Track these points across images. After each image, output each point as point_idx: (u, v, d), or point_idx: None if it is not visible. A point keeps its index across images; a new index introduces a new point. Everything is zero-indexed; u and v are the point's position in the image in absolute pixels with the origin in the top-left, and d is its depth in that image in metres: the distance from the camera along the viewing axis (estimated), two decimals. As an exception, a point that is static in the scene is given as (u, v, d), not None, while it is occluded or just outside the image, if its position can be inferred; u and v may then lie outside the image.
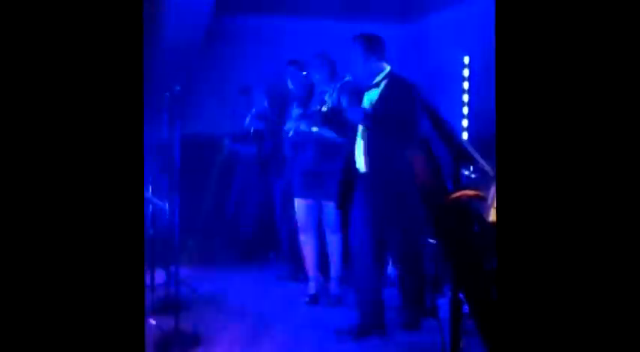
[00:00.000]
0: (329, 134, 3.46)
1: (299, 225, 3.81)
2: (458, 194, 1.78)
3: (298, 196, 3.75)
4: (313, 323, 3.42)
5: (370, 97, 3.06)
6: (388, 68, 3.03)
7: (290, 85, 4.16)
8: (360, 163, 3.08)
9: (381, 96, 3.00)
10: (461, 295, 1.99)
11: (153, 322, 3.14)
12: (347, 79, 3.07)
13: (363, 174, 3.09)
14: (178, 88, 3.31)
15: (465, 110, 5.61)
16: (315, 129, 3.44)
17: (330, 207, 3.59)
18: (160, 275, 3.81)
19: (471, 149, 1.90)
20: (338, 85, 3.38)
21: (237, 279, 4.40)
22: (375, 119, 2.95)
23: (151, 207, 3.78)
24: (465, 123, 5.60)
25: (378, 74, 3.02)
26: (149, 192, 3.63)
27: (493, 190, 1.76)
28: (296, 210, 3.78)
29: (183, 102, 3.28)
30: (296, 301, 3.85)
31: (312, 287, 3.83)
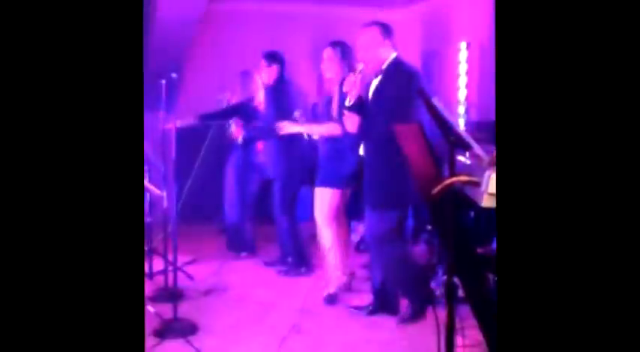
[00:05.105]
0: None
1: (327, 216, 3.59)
2: (452, 180, 1.79)
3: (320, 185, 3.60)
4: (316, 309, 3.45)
5: (375, 84, 3.07)
6: (394, 55, 3.05)
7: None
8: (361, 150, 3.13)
9: (380, 82, 3.03)
10: (455, 279, 2.01)
11: (151, 309, 3.16)
12: (361, 67, 3.06)
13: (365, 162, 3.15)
14: (174, 75, 3.31)
15: (462, 96, 5.60)
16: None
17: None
18: (158, 263, 3.84)
19: (465, 135, 1.91)
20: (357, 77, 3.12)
21: (234, 267, 4.43)
22: (371, 106, 2.98)
23: (148, 195, 3.78)
24: (461, 109, 5.60)
25: (386, 61, 3.05)
26: (146, 180, 3.63)
27: (487, 176, 1.76)
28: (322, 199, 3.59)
29: (179, 90, 3.27)
30: (297, 290, 3.88)
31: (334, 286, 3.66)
